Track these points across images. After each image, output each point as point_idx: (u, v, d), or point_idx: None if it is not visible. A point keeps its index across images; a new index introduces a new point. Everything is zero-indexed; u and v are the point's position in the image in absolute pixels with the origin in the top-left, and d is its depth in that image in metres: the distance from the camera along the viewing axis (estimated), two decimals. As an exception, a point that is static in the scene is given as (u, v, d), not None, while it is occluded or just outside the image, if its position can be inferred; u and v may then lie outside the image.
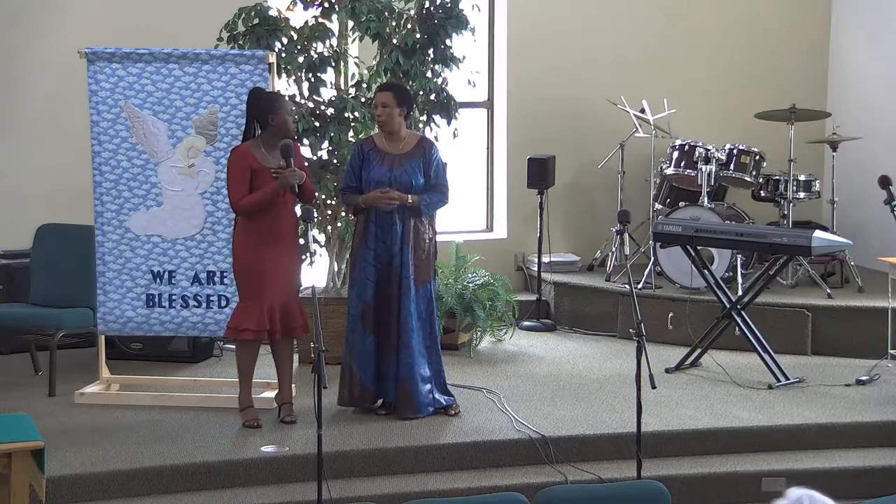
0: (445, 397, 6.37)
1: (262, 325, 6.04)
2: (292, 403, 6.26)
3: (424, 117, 7.41)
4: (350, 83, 7.55)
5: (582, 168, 9.42)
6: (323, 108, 7.41)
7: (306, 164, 7.27)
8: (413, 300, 6.19)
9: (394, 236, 6.18)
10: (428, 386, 6.27)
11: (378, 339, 6.25)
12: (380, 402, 6.37)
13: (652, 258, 8.36)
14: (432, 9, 7.41)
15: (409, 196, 6.16)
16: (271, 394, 6.47)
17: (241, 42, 7.21)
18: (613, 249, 8.78)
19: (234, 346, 7.22)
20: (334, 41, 7.48)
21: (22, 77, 8.18)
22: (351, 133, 7.37)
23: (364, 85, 7.50)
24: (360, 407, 6.35)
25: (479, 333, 7.88)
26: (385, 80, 7.23)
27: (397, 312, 6.19)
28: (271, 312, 6.06)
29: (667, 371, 7.23)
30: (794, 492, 2.91)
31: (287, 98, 6.48)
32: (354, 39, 7.68)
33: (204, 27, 7.38)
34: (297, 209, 6.56)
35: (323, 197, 7.43)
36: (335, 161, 7.33)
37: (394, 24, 7.44)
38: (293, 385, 6.61)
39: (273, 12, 7.37)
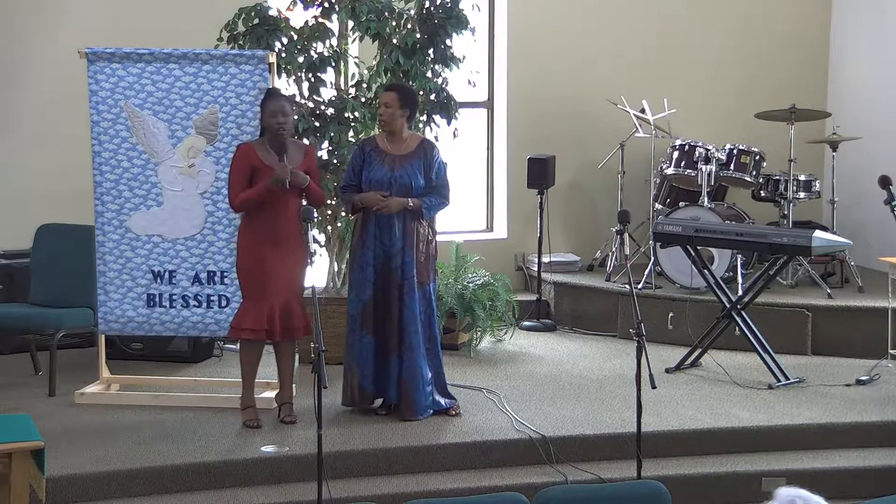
0: (445, 399, 6.36)
1: (260, 325, 6.04)
2: (292, 403, 6.26)
3: (424, 117, 7.41)
4: (350, 83, 7.56)
5: (582, 168, 9.42)
6: (323, 108, 7.41)
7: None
8: (415, 301, 6.19)
9: (393, 237, 6.18)
10: (429, 388, 6.27)
11: (377, 340, 6.24)
12: (379, 402, 6.37)
13: (652, 258, 8.36)
14: (432, 9, 7.41)
15: (410, 200, 6.16)
16: (271, 394, 6.46)
17: (241, 42, 7.21)
18: (613, 249, 8.78)
19: (235, 346, 7.25)
20: (334, 41, 7.48)
21: (22, 77, 8.18)
22: (351, 133, 7.37)
23: (364, 85, 7.51)
24: (360, 407, 6.35)
25: (479, 333, 7.88)
26: (385, 81, 7.25)
27: (398, 313, 6.19)
28: (271, 313, 6.06)
29: (667, 371, 7.23)
30: (785, 492, 2.89)
31: (283, 97, 6.30)
32: (354, 39, 7.68)
33: (204, 27, 7.38)
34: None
35: (323, 197, 7.44)
36: (335, 161, 7.33)
37: (394, 24, 7.44)
38: (294, 385, 6.62)
39: (273, 12, 7.37)
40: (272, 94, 6.27)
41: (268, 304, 6.05)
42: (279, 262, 6.06)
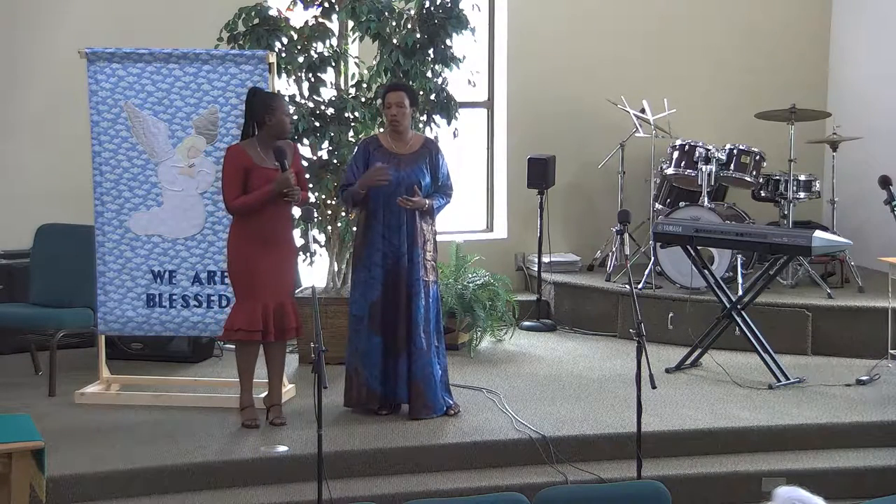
0: (447, 397, 6.38)
1: (253, 326, 6.01)
2: (281, 405, 6.23)
3: (424, 117, 7.42)
4: (350, 83, 7.56)
5: (582, 168, 9.42)
6: (323, 108, 7.41)
7: (305, 163, 7.28)
8: (423, 299, 6.19)
9: (402, 236, 6.18)
10: (440, 385, 6.29)
11: (385, 340, 6.24)
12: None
13: (652, 258, 8.37)
14: (432, 9, 7.41)
15: (426, 200, 6.17)
16: (268, 394, 6.45)
17: (241, 42, 7.21)
18: (613, 249, 8.78)
19: (233, 347, 7.23)
20: (334, 41, 7.48)
21: (22, 77, 8.19)
22: (351, 133, 7.38)
23: (364, 85, 7.51)
24: (366, 408, 6.33)
25: (479, 333, 7.88)
26: (386, 81, 7.24)
27: (407, 313, 6.18)
28: (265, 313, 6.03)
29: (667, 371, 7.23)
30: (783, 492, 2.89)
31: (285, 98, 6.40)
32: (354, 39, 7.68)
33: (204, 27, 7.39)
34: (296, 210, 6.55)
35: (323, 197, 7.43)
36: (335, 161, 7.33)
37: (394, 24, 7.44)
38: (293, 385, 6.62)
39: (273, 12, 7.37)
40: (274, 93, 6.24)
41: (261, 304, 6.03)
42: (270, 263, 6.03)
